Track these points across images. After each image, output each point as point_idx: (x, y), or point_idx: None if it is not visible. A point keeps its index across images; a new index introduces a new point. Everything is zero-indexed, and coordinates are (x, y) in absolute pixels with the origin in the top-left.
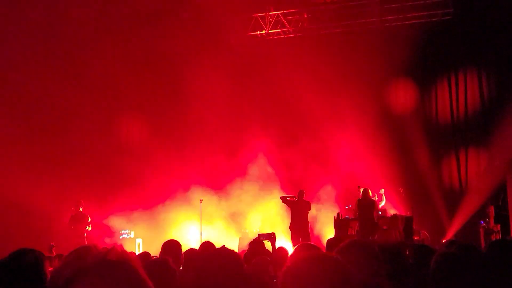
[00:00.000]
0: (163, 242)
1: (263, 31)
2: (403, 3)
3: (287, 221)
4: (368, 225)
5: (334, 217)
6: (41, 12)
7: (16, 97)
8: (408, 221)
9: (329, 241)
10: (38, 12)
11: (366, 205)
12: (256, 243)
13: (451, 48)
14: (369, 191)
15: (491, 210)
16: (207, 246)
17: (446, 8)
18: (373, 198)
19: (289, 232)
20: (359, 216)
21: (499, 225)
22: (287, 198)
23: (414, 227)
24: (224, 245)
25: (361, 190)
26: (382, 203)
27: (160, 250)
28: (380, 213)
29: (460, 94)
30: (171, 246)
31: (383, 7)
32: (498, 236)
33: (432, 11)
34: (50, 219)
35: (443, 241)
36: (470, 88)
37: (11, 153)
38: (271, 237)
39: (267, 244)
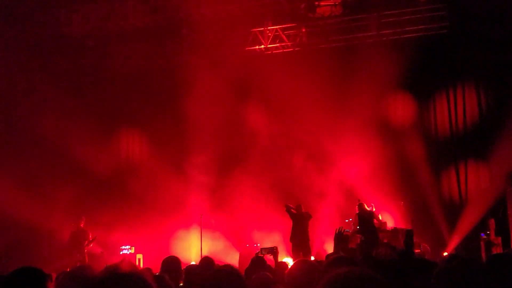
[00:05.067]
0: (163, 259)
1: (262, 46)
2: (399, 17)
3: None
4: (370, 237)
5: (336, 230)
6: (40, 27)
7: (15, 113)
8: (408, 234)
9: (328, 256)
10: (37, 29)
11: (365, 218)
12: (257, 259)
13: (449, 61)
14: (364, 204)
15: (492, 223)
16: (206, 262)
17: (442, 22)
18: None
19: (290, 244)
20: (360, 230)
21: (499, 238)
22: (291, 209)
23: (414, 240)
24: (228, 264)
25: (357, 204)
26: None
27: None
28: (381, 218)
29: (459, 107)
30: (171, 262)
31: (380, 21)
32: (499, 249)
33: (429, 25)
34: (51, 235)
35: (444, 254)
36: (469, 101)
37: (11, 170)
38: (274, 251)
39: (270, 259)
